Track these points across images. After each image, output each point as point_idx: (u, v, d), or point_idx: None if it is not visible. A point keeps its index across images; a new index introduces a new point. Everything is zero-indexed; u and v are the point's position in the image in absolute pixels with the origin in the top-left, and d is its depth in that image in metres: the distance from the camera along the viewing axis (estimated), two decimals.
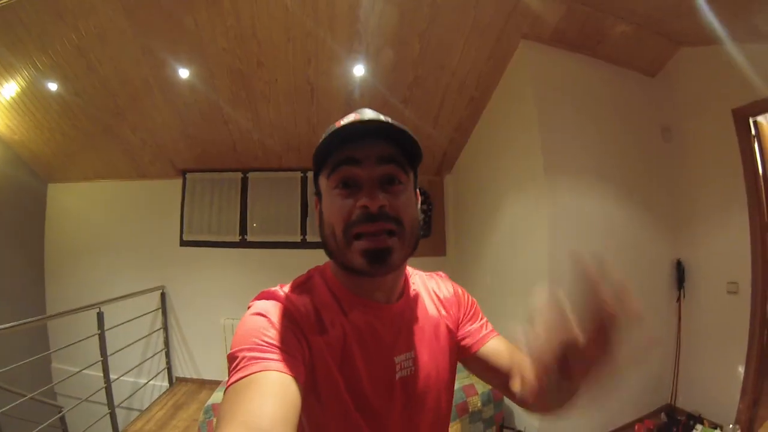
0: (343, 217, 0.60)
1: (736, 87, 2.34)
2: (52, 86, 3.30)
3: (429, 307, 0.76)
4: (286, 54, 2.93)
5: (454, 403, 2.48)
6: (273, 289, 0.66)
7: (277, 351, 0.53)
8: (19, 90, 3.37)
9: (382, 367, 0.65)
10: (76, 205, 4.51)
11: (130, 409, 3.54)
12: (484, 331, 0.79)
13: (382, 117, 0.63)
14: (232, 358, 0.53)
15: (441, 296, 0.80)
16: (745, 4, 2.12)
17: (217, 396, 2.61)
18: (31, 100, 3.48)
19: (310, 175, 4.15)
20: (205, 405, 2.55)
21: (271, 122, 3.63)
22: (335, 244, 0.62)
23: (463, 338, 0.78)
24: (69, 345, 3.13)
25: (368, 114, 0.65)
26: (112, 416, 3.10)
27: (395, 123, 0.62)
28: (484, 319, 0.83)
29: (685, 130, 2.74)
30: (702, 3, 2.21)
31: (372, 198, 0.59)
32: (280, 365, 0.51)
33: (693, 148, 2.70)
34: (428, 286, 0.81)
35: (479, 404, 2.44)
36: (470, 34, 2.68)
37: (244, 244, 4.18)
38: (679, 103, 2.76)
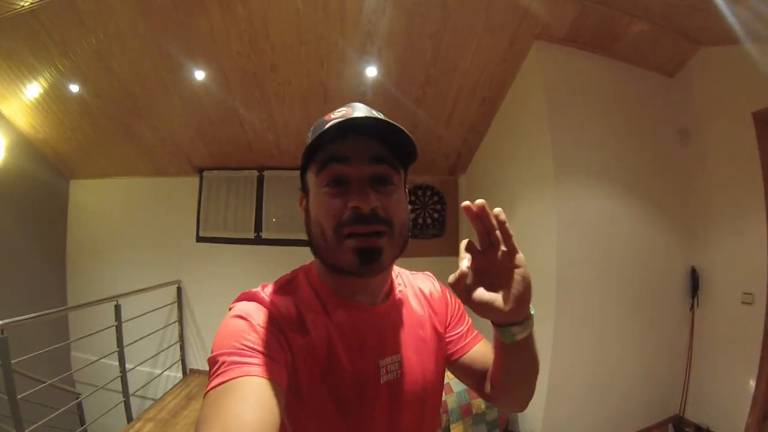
0: (333, 216, 0.58)
1: (757, 89, 2.26)
2: (74, 88, 3.42)
3: (416, 308, 0.75)
4: (298, 57, 2.96)
5: (458, 405, 2.53)
6: (254, 290, 0.64)
7: (258, 355, 0.52)
8: (42, 91, 3.50)
9: (366, 370, 0.63)
10: (97, 201, 4.66)
11: (144, 398, 3.66)
12: (468, 337, 0.79)
13: (374, 113, 0.62)
14: (212, 362, 0.52)
15: (429, 297, 0.79)
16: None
17: None
18: (53, 100, 3.60)
19: None
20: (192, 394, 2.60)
21: (285, 123, 3.67)
22: (324, 244, 0.60)
23: (449, 342, 0.77)
24: (86, 336, 3.29)
25: (360, 109, 0.63)
26: (126, 404, 3.22)
27: (388, 120, 0.59)
28: (470, 322, 0.82)
29: (703, 132, 2.66)
30: (721, 1, 2.15)
31: (364, 199, 0.57)
32: (261, 369, 0.50)
33: (711, 152, 2.61)
34: (415, 285, 0.79)
35: (483, 406, 2.45)
36: (482, 36, 2.66)
37: (258, 241, 4.25)
38: (698, 104, 2.67)
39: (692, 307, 2.66)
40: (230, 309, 0.61)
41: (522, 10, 2.44)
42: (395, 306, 0.71)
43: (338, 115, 0.62)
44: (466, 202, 0.52)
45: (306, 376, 0.59)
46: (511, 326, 0.57)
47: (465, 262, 0.55)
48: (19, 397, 2.31)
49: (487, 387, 0.73)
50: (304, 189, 0.66)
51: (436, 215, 4.23)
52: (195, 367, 4.22)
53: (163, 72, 3.21)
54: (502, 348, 0.63)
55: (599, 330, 2.48)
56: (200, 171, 4.42)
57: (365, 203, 0.57)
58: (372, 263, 0.58)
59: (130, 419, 3.16)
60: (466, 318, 0.82)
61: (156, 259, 4.40)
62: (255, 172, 4.33)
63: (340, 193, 0.59)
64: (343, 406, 0.61)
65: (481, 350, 0.78)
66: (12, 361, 2.29)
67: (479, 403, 2.45)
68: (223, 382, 0.48)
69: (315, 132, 0.62)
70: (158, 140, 4.03)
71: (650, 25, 2.49)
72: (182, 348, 4.18)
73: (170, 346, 4.09)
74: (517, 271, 0.54)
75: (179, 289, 4.27)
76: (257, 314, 0.58)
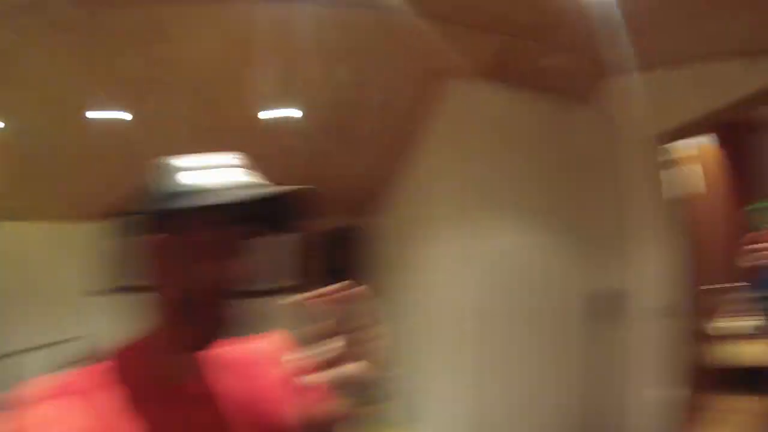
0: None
1: (657, 114, 2.41)
2: None
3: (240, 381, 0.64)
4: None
5: None
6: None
7: None
8: None
9: None
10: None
11: None
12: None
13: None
14: None
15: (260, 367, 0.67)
16: (669, 32, 2.18)
17: None
18: None
19: None
20: None
21: None
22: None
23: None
24: None
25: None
26: None
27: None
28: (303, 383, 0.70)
29: (611, 156, 2.78)
30: (624, 33, 2.28)
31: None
32: None
33: (619, 175, 2.73)
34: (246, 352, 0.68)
35: None
36: (394, 78, 2.69)
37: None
38: (607, 130, 2.81)
39: (603, 329, 2.64)
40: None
41: (432, 50, 2.47)
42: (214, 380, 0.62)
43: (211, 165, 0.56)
44: None
45: None
46: None
47: None
48: None
49: None
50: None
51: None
52: None
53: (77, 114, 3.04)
54: None
55: (512, 362, 2.51)
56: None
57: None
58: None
59: None
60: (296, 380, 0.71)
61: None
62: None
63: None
64: None
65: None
66: None
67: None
68: None
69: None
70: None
71: (563, 56, 2.61)
72: None
73: None
74: None
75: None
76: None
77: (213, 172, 0.56)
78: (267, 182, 0.57)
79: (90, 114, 3.11)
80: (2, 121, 3.22)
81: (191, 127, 3.17)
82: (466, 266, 2.47)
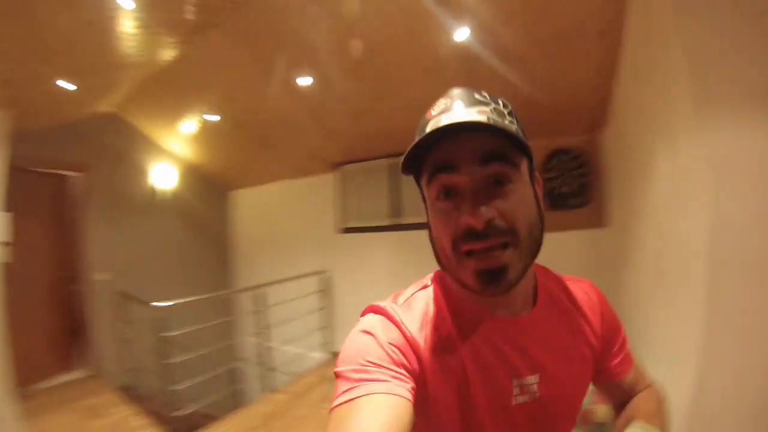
0: (448, 234, 0.55)
1: None
2: (213, 118, 4.10)
3: (568, 320, 0.67)
4: (391, 40, 2.90)
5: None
6: (382, 303, 0.62)
7: (384, 372, 0.51)
8: (194, 125, 4.31)
9: (501, 391, 0.59)
10: (253, 206, 5.63)
11: (291, 374, 4.14)
12: (621, 363, 0.71)
13: (475, 111, 0.54)
14: (337, 377, 0.53)
15: (585, 309, 0.69)
16: None
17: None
18: (204, 132, 4.39)
19: None
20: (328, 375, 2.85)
21: (397, 108, 3.66)
22: (446, 260, 0.57)
23: (603, 362, 0.70)
24: (230, 319, 4.51)
25: (458, 103, 0.55)
26: (268, 377, 3.78)
27: (494, 121, 0.51)
28: (626, 342, 0.74)
29: None
30: None
31: (475, 214, 0.51)
32: (387, 386, 0.49)
33: None
34: (570, 293, 0.70)
35: (607, 415, 2.02)
36: None
37: (397, 227, 4.35)
38: None
39: None
40: (358, 321, 0.61)
41: None
42: (539, 317, 0.64)
43: (438, 110, 0.56)
44: None
45: (435, 396, 0.56)
46: None
47: None
48: (172, 360, 3.02)
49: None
50: (422, 196, 0.63)
51: (576, 182, 3.58)
52: (339, 351, 4.64)
53: (276, 89, 3.50)
54: None
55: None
56: (336, 166, 4.75)
57: (477, 219, 0.51)
58: (496, 284, 0.53)
59: (272, 390, 3.70)
60: (622, 336, 0.72)
61: (305, 250, 4.99)
62: (385, 160, 4.44)
63: (452, 207, 0.55)
64: (474, 428, 0.58)
65: (628, 381, 0.70)
66: (167, 334, 3.02)
67: (605, 410, 2.03)
68: (349, 401, 0.48)
69: (418, 134, 0.57)
70: (291, 147, 4.52)
71: None
72: (327, 332, 4.63)
73: (317, 330, 4.58)
74: None
75: (325, 278, 4.72)
76: (384, 330, 0.57)
77: (441, 108, 0.57)
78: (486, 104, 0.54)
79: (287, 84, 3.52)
80: (217, 115, 4.03)
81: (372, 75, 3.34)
82: (700, 184, 1.72)
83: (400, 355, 0.54)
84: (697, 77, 1.74)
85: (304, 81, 3.44)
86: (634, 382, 0.73)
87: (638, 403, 0.70)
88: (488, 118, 0.51)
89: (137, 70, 3.33)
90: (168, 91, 3.68)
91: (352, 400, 0.47)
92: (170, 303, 3.01)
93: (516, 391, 0.59)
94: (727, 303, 1.62)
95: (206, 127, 4.27)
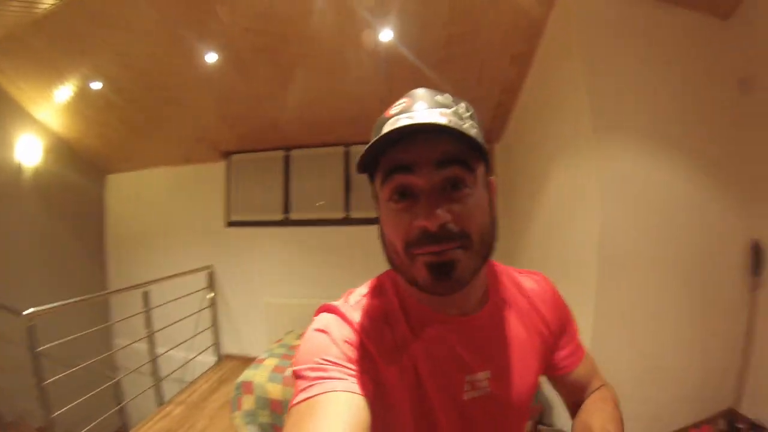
0: (400, 235, 0.54)
1: None
2: (96, 85, 3.44)
3: (520, 315, 0.68)
4: (310, 27, 2.80)
5: None
6: (336, 303, 0.62)
7: (340, 370, 0.51)
8: (69, 92, 3.56)
9: (452, 388, 0.60)
10: (131, 192, 4.82)
11: (182, 381, 3.77)
12: (572, 354, 0.72)
13: (436, 113, 0.53)
14: (295, 376, 0.52)
15: (538, 302, 0.70)
16: None
17: (248, 373, 2.68)
18: (80, 100, 3.66)
19: (353, 149, 4.09)
20: (236, 382, 2.66)
21: (305, 98, 3.55)
22: (398, 259, 0.56)
23: (554, 353, 0.72)
24: (113, 323, 3.75)
25: (420, 104, 0.55)
26: (158, 388, 3.38)
27: (454, 125, 0.51)
28: (576, 333, 0.75)
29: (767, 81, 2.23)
30: None
31: (429, 216, 0.50)
32: (344, 384, 0.50)
33: None
34: (523, 288, 0.71)
35: None
36: None
37: (287, 222, 4.24)
38: (760, 48, 2.22)
39: (754, 288, 2.27)
40: (312, 321, 0.60)
41: None
42: (492, 314, 0.65)
43: (397, 110, 0.55)
44: None
45: (390, 393, 0.57)
46: None
47: None
48: (49, 381, 2.43)
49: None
50: (374, 195, 0.61)
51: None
52: (229, 352, 4.33)
53: (177, 59, 3.15)
54: None
55: (646, 315, 2.20)
56: (227, 155, 4.41)
57: (432, 222, 0.51)
58: (448, 280, 0.53)
59: (161, 402, 3.30)
60: (573, 328, 0.75)
61: (189, 245, 4.52)
62: (281, 152, 4.28)
63: (406, 208, 0.54)
64: (428, 424, 0.59)
65: (579, 375, 0.72)
66: (43, 347, 2.41)
67: None
68: (307, 399, 0.48)
69: (374, 133, 0.55)
70: (182, 128, 4.05)
71: None
72: (215, 333, 4.30)
73: (204, 331, 4.20)
74: None
75: (211, 274, 4.36)
76: (339, 328, 0.57)
77: (400, 107, 0.56)
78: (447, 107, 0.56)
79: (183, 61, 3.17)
80: (101, 81, 3.42)
81: (286, 61, 3.18)
82: (593, 198, 2.17)
83: (356, 354, 0.54)
84: (597, 110, 2.18)
85: (210, 57, 3.14)
86: (585, 377, 0.74)
87: (592, 407, 0.69)
88: (449, 121, 0.51)
89: (7, 11, 2.65)
90: (46, 43, 2.96)
91: (310, 398, 0.48)
92: (33, 310, 2.40)
93: (467, 387, 0.61)
94: (614, 286, 2.14)
95: (87, 95, 3.55)
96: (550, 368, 0.73)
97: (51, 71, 3.30)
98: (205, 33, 2.91)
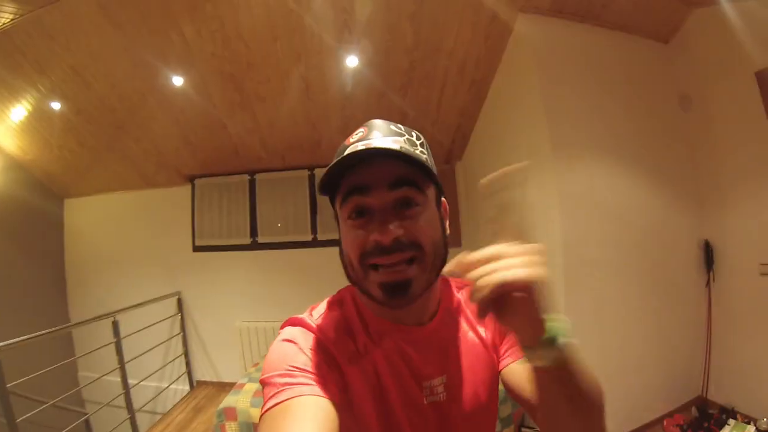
0: (356, 249, 0.58)
1: (757, 48, 2.12)
2: (55, 106, 3.37)
3: (468, 321, 0.72)
4: (274, 52, 2.85)
5: None
6: (301, 316, 0.65)
7: (310, 375, 0.53)
8: (25, 112, 3.45)
9: (412, 393, 0.63)
10: (92, 218, 4.64)
11: (154, 413, 3.60)
12: (514, 352, 0.71)
13: (390, 140, 0.59)
14: (264, 384, 0.54)
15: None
16: None
17: (230, 399, 2.58)
18: (38, 120, 3.56)
19: (317, 171, 4.12)
20: (218, 408, 2.55)
21: (269, 122, 3.58)
22: (354, 275, 0.60)
23: (500, 349, 0.73)
24: (83, 355, 3.36)
25: (376, 132, 0.61)
26: (132, 421, 3.18)
27: (406, 150, 0.56)
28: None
29: (705, 97, 2.50)
30: None
31: (383, 231, 0.55)
32: (313, 389, 0.51)
33: (715, 117, 2.46)
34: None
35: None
36: (463, 13, 2.52)
37: (255, 246, 4.17)
38: (697, 68, 2.52)
39: (708, 283, 2.51)
40: (278, 334, 0.63)
41: None
42: (444, 323, 0.69)
43: (356, 138, 0.61)
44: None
45: (355, 400, 0.60)
46: (527, 349, 0.49)
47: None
48: (20, 419, 2.30)
49: (536, 415, 0.64)
50: (335, 215, 0.66)
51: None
52: (202, 379, 4.17)
53: (139, 82, 3.14)
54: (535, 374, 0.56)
55: (612, 315, 2.34)
56: (191, 179, 4.35)
57: (385, 236, 0.55)
58: (401, 296, 0.57)
59: None
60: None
61: (155, 271, 4.37)
62: (246, 176, 4.25)
63: (363, 224, 0.58)
64: (391, 427, 0.62)
65: (519, 367, 0.71)
66: (11, 384, 2.28)
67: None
68: (278, 404, 0.50)
69: (335, 159, 0.60)
70: (144, 152, 3.98)
71: None
72: (187, 360, 4.13)
73: (175, 359, 4.05)
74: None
75: (179, 301, 4.22)
76: (305, 339, 0.60)
77: (359, 136, 0.61)
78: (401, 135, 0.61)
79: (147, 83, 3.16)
80: (59, 102, 3.34)
81: (250, 87, 3.21)
82: (553, 210, 2.30)
83: (321, 361, 0.57)
84: (555, 129, 2.32)
85: (175, 81, 3.14)
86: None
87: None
88: (401, 147, 0.57)
89: None
90: (0, 60, 2.90)
91: (281, 402, 0.49)
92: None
93: (426, 392, 0.64)
94: (576, 287, 2.25)
95: (44, 115, 3.45)
96: (500, 364, 0.73)
97: (5, 89, 3.20)
98: (170, 57, 2.91)
